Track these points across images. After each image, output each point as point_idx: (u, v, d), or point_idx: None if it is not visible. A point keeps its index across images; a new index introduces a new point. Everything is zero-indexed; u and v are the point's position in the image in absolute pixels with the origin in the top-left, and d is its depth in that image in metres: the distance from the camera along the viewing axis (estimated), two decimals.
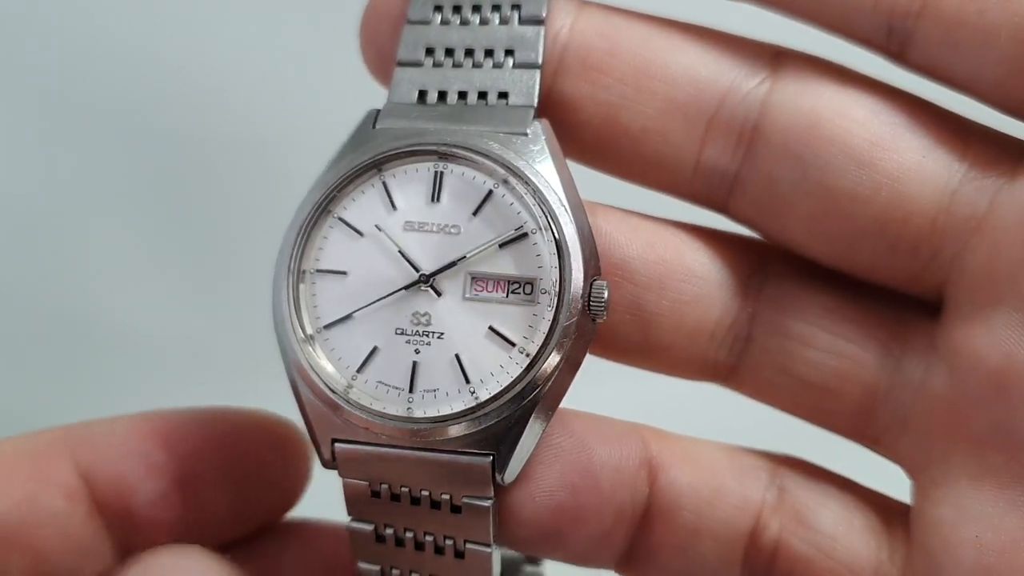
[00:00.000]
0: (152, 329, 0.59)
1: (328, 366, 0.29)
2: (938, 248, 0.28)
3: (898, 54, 0.28)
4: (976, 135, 0.28)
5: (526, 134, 0.29)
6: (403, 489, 0.29)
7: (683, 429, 0.32)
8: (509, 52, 0.30)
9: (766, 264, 0.31)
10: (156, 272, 0.60)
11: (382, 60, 0.31)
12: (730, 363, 0.31)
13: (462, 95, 0.30)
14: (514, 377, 0.28)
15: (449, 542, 0.29)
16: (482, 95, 0.30)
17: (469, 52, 0.30)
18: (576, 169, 0.30)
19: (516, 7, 0.30)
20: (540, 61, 0.30)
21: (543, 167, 0.28)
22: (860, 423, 0.30)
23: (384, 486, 0.29)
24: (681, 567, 0.31)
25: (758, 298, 0.30)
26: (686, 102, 0.29)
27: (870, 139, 0.28)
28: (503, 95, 0.30)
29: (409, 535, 0.29)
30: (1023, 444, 0.27)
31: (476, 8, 0.31)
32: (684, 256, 0.30)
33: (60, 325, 0.60)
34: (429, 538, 0.29)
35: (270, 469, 0.32)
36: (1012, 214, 0.27)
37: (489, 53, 0.30)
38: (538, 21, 0.30)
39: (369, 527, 0.29)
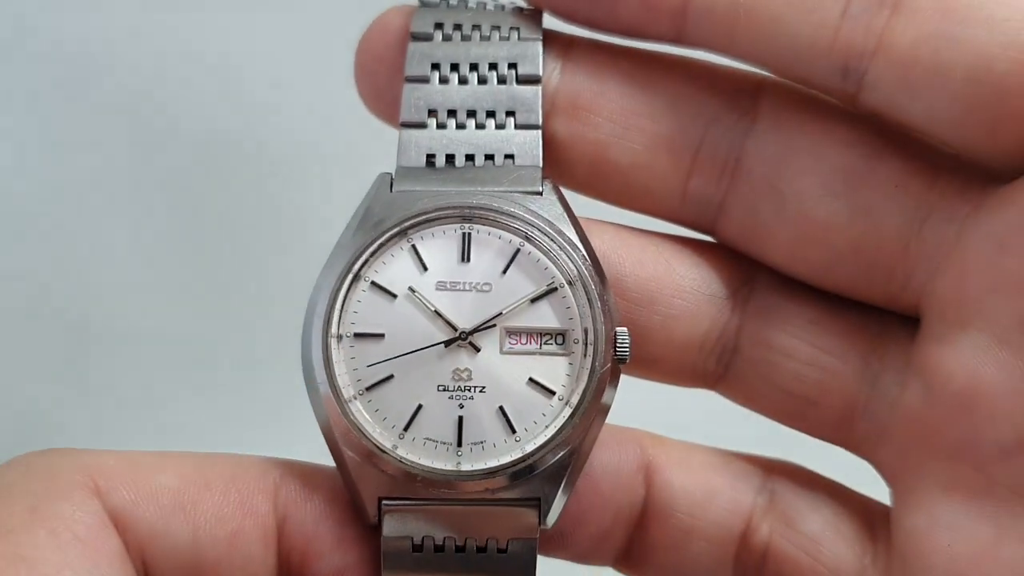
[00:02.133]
0: (156, 329, 0.59)
1: (374, 426, 0.30)
2: (911, 272, 0.30)
3: (853, 96, 0.30)
4: (945, 166, 0.30)
5: (540, 193, 0.30)
6: (447, 541, 0.30)
7: (678, 432, 0.34)
8: (510, 113, 0.31)
9: (753, 276, 0.32)
10: (160, 273, 0.60)
11: (379, 103, 0.33)
12: (718, 372, 0.33)
13: (469, 157, 0.31)
14: (559, 426, 0.30)
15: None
16: (488, 157, 0.31)
17: (471, 113, 0.32)
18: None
19: (512, 66, 0.31)
20: (540, 122, 0.31)
21: (562, 224, 0.30)
22: (841, 432, 0.32)
23: (429, 540, 0.30)
24: (676, 565, 0.33)
25: (745, 310, 0.32)
26: (671, 137, 0.31)
27: (844, 170, 0.30)
28: (509, 156, 0.31)
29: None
30: (989, 458, 0.29)
31: (473, 67, 0.32)
32: (674, 272, 0.32)
33: (63, 324, 0.59)
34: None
35: None
36: (977, 242, 0.29)
37: (491, 115, 0.32)
38: (535, 81, 0.31)
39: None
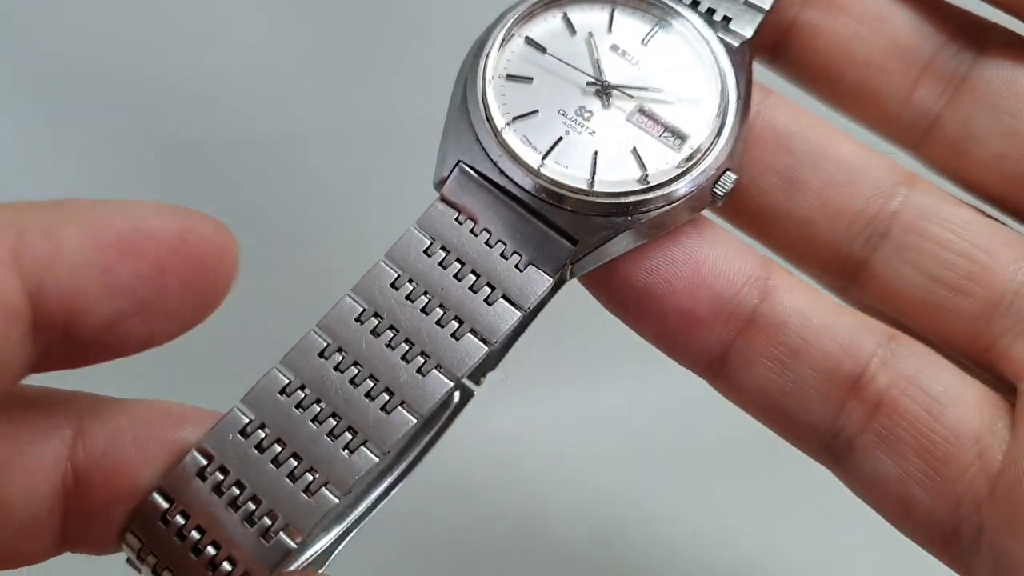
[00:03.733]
0: None
1: (495, 104, 0.32)
2: None
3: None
4: None
5: (735, 46, 0.34)
6: (485, 231, 0.31)
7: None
8: None
9: (913, 181, 0.34)
10: None
11: None
12: (862, 256, 0.33)
13: (694, 3, 0.35)
14: (630, 190, 0.31)
15: (488, 290, 0.30)
16: (710, 11, 0.35)
17: None
18: None
19: None
20: (767, 6, 0.35)
21: (739, 73, 0.33)
22: (979, 327, 0.32)
23: (471, 221, 0.31)
24: (775, 384, 0.32)
25: (904, 200, 0.33)
26: (907, 46, 0.34)
27: None
28: (727, 19, 0.34)
29: (458, 266, 0.30)
30: None
31: None
32: (841, 146, 0.34)
33: None
34: (473, 278, 0.30)
35: (204, 284, 0.28)
36: None
37: None
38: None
39: (427, 241, 0.31)
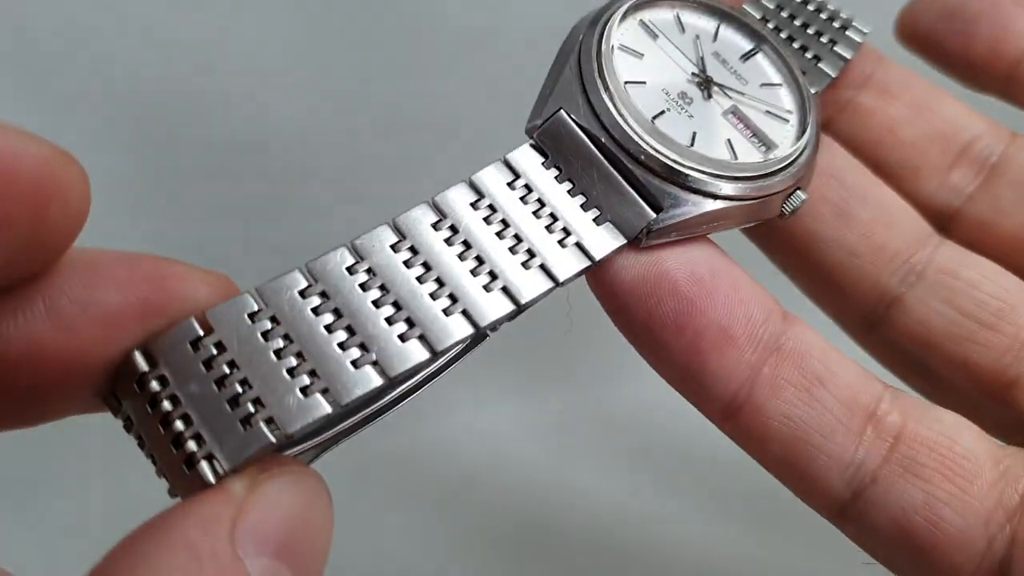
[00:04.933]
0: None
1: (611, 63, 0.33)
2: None
3: None
4: None
5: (830, 77, 0.38)
6: (568, 181, 0.31)
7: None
8: (834, 36, 0.39)
9: (945, 237, 0.37)
10: None
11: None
12: (898, 293, 0.35)
13: (790, 39, 0.39)
14: (719, 173, 0.32)
15: (563, 234, 0.30)
16: (804, 48, 0.38)
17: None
18: None
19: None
20: (849, 56, 0.38)
21: (815, 108, 0.36)
22: (1006, 361, 0.34)
23: (556, 168, 0.31)
24: (801, 412, 0.31)
25: (939, 245, 0.36)
26: (947, 133, 0.38)
27: None
28: (817, 58, 0.38)
29: (537, 205, 0.31)
30: None
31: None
32: (885, 190, 0.37)
33: None
34: (550, 217, 0.30)
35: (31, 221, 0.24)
36: None
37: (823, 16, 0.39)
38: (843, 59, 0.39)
39: (511, 176, 0.31)
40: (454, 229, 0.29)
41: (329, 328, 0.27)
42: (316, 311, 0.27)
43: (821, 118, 0.37)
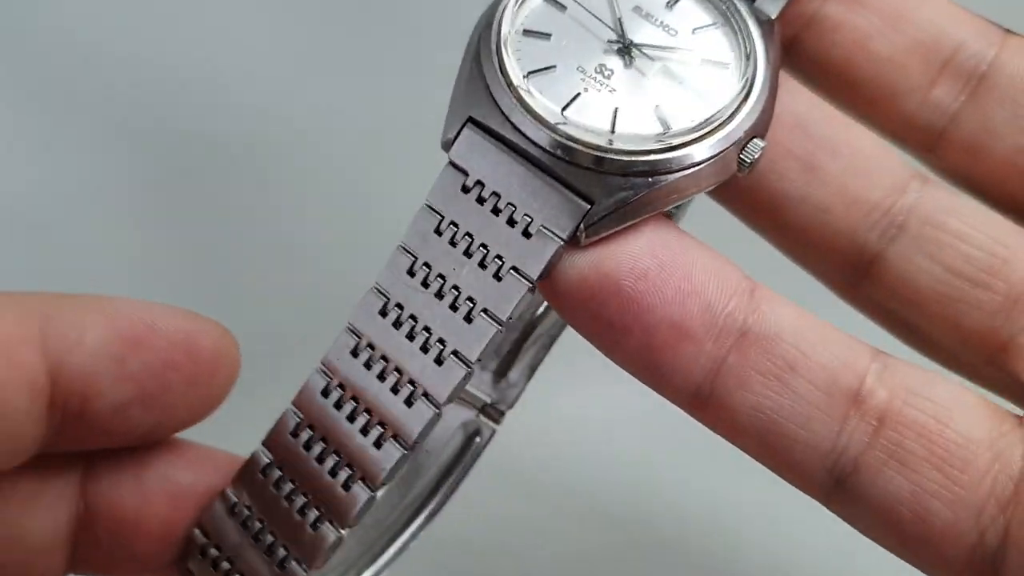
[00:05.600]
0: None
1: (509, 59, 0.31)
2: None
3: None
4: None
5: (762, 19, 0.33)
6: (494, 195, 0.29)
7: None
8: None
9: (926, 179, 0.33)
10: (159, 272, 0.60)
11: None
12: (878, 248, 0.32)
13: None
14: (648, 149, 0.29)
15: (498, 262, 0.29)
16: None
17: None
18: None
19: None
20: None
21: (768, 42, 0.32)
22: (997, 321, 0.30)
23: (479, 186, 0.29)
24: (772, 402, 0.29)
25: (921, 194, 0.32)
26: (929, 43, 0.33)
27: None
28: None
29: (466, 240, 0.29)
30: None
31: None
32: (860, 137, 0.33)
33: None
34: (481, 250, 0.29)
35: (206, 384, 0.31)
36: None
37: None
38: None
39: (437, 218, 0.30)
40: (400, 306, 0.30)
41: (320, 459, 0.30)
42: (307, 447, 0.31)
43: (779, 47, 0.33)
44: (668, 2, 0.32)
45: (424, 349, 0.29)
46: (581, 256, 0.29)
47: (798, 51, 0.34)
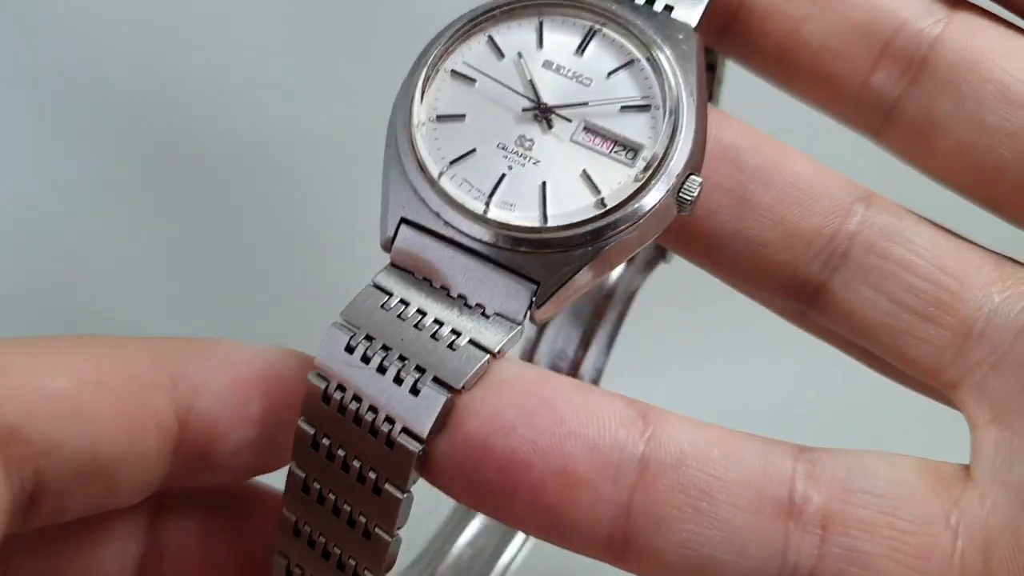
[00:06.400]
0: (156, 329, 0.56)
1: (428, 155, 0.30)
2: None
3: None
4: None
5: (679, 38, 0.31)
6: (442, 287, 0.29)
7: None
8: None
9: (871, 198, 0.32)
10: (159, 272, 0.61)
11: None
12: (822, 279, 0.31)
13: None
14: (587, 218, 0.29)
15: (454, 337, 0.29)
16: (649, 1, 0.32)
17: None
18: None
19: None
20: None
21: (687, 65, 0.31)
22: (949, 356, 0.29)
23: (425, 279, 0.29)
24: (698, 539, 0.27)
25: (863, 220, 0.31)
26: (865, 26, 0.32)
27: None
28: (668, 8, 0.32)
29: (418, 318, 0.29)
30: None
31: None
32: (794, 162, 0.31)
33: (64, 325, 0.55)
34: (435, 327, 0.29)
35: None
36: None
37: None
38: None
39: (383, 297, 0.29)
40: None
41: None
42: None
43: (702, 65, 0.31)
44: (577, 48, 0.31)
45: (398, 382, 0.28)
46: (450, 426, 0.27)
47: (731, 43, 0.33)
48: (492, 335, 0.28)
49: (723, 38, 0.33)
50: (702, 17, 0.32)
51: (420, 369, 0.28)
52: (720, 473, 0.27)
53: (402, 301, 0.29)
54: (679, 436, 0.27)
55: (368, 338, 0.29)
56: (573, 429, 0.27)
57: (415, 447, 0.27)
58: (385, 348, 0.28)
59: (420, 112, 0.31)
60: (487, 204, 0.29)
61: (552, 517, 0.27)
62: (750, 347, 0.55)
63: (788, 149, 0.32)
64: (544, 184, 0.30)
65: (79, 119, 0.62)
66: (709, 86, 0.38)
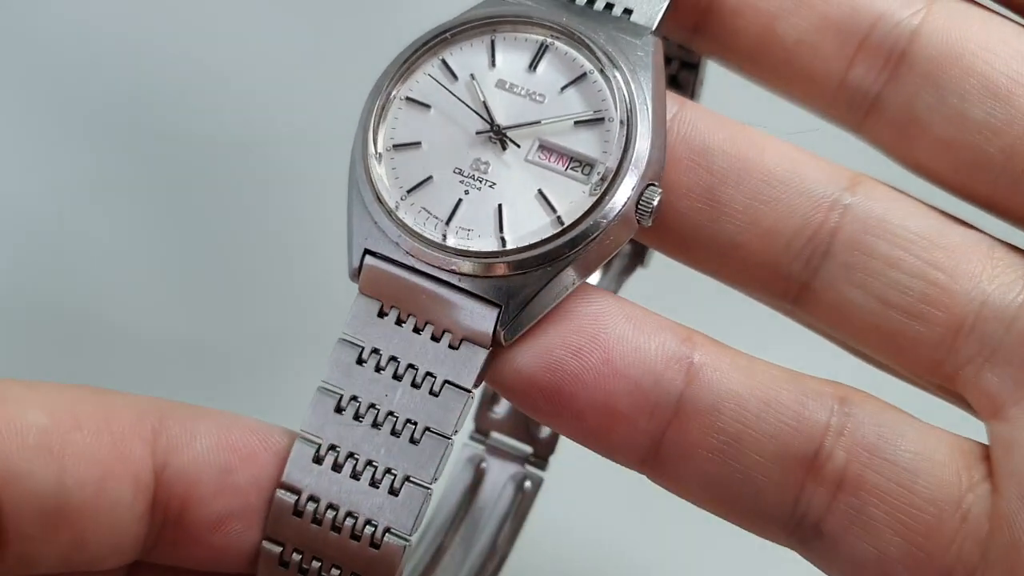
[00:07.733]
0: (154, 330, 0.59)
1: (386, 181, 0.30)
2: None
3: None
4: None
5: (635, 43, 0.31)
6: (410, 317, 0.29)
7: None
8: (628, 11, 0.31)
9: (857, 183, 0.30)
10: (159, 273, 0.61)
11: None
12: (804, 278, 0.30)
13: (590, 1, 0.32)
14: (544, 238, 0.29)
15: (431, 379, 0.29)
16: (608, 6, 0.31)
17: None
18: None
19: None
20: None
21: (642, 73, 0.30)
22: (940, 354, 0.29)
23: (394, 309, 0.29)
24: (720, 477, 0.28)
25: (844, 214, 0.30)
26: (841, 21, 0.30)
27: (1009, 76, 0.29)
28: (628, 11, 0.31)
29: (394, 362, 0.29)
30: None
31: None
32: (766, 157, 0.30)
33: (62, 325, 0.59)
34: (412, 371, 0.29)
35: None
36: None
37: None
38: None
39: (356, 351, 0.29)
40: (334, 448, 0.29)
41: None
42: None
43: (661, 69, 0.30)
44: (529, 64, 0.31)
45: (374, 485, 0.28)
46: (505, 357, 0.29)
47: (704, 41, 0.32)
48: (462, 371, 0.29)
49: (695, 37, 0.32)
50: (661, 19, 0.31)
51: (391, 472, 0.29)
52: (751, 423, 0.28)
53: (374, 350, 0.29)
54: (720, 380, 0.28)
55: (332, 448, 0.29)
56: (620, 368, 0.28)
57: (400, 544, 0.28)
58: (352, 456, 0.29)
59: (376, 142, 0.31)
60: (445, 232, 0.29)
61: (591, 438, 0.29)
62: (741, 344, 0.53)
63: (764, 141, 0.31)
64: (500, 207, 0.30)
65: (78, 119, 0.61)
66: (691, 87, 0.38)
